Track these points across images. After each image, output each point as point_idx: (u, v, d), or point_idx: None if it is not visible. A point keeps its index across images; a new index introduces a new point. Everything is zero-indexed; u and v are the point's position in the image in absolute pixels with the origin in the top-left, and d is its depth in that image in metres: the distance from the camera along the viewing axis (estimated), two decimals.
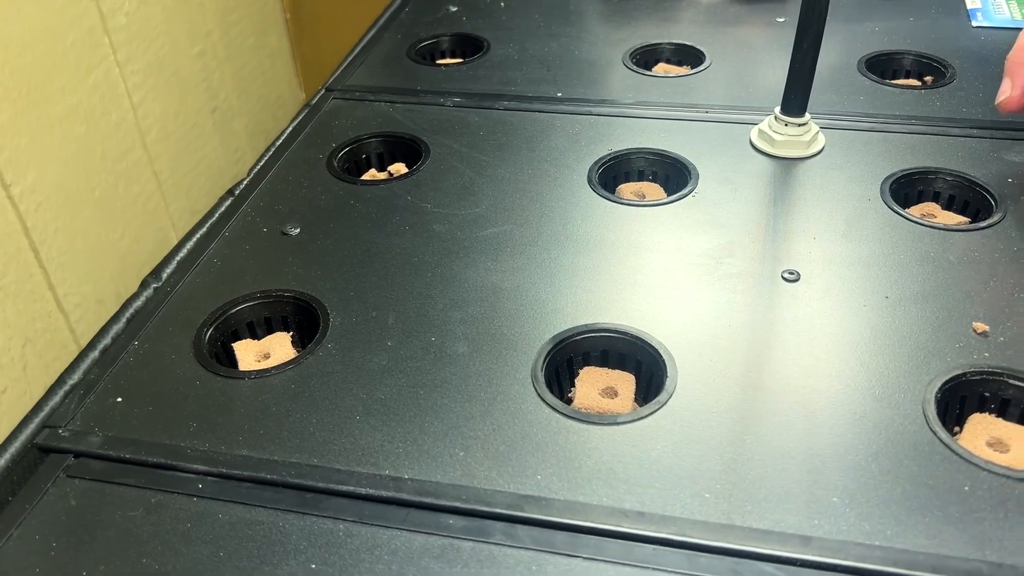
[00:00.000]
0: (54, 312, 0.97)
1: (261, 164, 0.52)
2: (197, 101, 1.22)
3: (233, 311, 0.41)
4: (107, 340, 0.40)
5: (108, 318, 0.41)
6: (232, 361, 0.40)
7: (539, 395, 0.36)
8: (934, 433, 0.33)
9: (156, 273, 0.44)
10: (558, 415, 0.35)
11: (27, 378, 0.58)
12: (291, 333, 0.41)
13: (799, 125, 0.49)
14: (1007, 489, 0.31)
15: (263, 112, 1.36)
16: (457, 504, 0.32)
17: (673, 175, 0.50)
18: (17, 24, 0.63)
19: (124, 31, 1.01)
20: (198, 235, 0.46)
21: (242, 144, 1.29)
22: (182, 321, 0.41)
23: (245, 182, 0.50)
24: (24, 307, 0.64)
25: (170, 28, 1.11)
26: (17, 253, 0.62)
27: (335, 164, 0.51)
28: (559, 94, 0.57)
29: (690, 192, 0.47)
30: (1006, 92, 0.45)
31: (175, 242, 0.66)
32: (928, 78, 0.58)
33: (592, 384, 0.38)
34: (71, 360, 0.39)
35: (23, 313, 0.62)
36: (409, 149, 0.53)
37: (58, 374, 0.38)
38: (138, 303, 0.42)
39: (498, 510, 0.31)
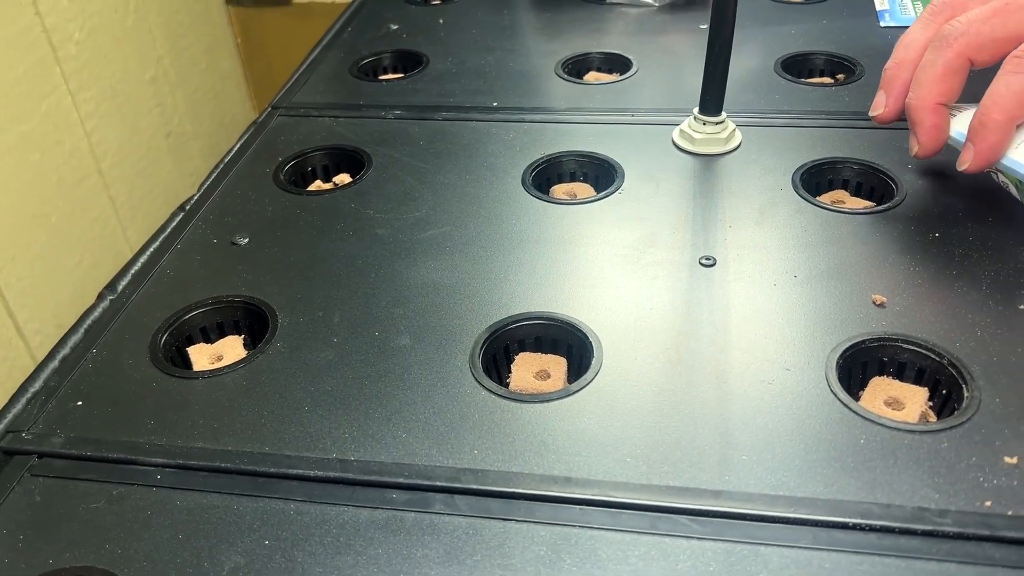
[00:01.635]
0: (14, 338, 0.98)
1: (210, 180, 0.54)
2: (151, 126, 1.24)
3: (186, 317, 0.43)
4: (66, 350, 0.42)
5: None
6: (187, 365, 0.42)
7: (476, 379, 0.38)
8: (834, 395, 0.36)
9: (112, 286, 0.46)
10: (494, 396, 0.38)
11: None
12: (243, 336, 0.44)
13: (716, 124, 0.53)
14: (897, 440, 0.34)
15: (217, 134, 1.38)
16: (399, 480, 0.34)
17: (602, 175, 0.53)
18: None
19: (75, 60, 1.03)
20: (151, 249, 0.48)
21: (198, 166, 1.31)
22: (138, 329, 0.43)
23: (196, 197, 0.53)
24: None
25: (121, 56, 1.13)
26: None
27: (281, 177, 0.54)
28: (495, 104, 0.60)
29: (616, 190, 0.51)
30: (880, 106, 0.48)
31: None
32: (840, 76, 0.62)
33: (527, 368, 0.40)
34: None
35: None
36: (353, 160, 0.56)
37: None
38: (95, 314, 0.44)
39: (438, 483, 0.34)
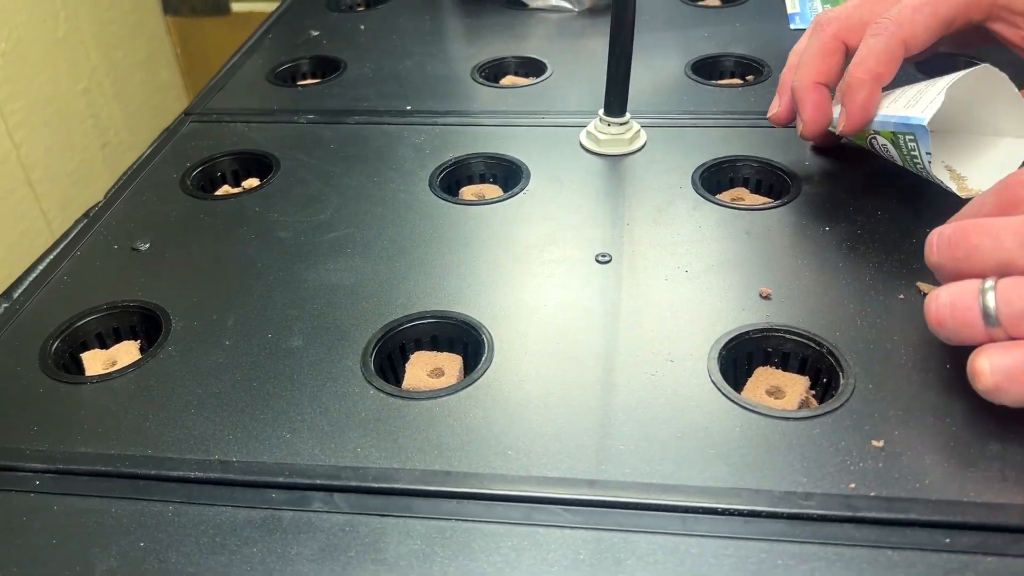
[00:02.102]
0: None
1: (117, 187, 0.54)
2: (85, 137, 1.22)
3: (80, 323, 0.43)
4: None
5: None
6: (83, 371, 0.42)
7: (366, 379, 0.39)
8: (714, 384, 0.37)
9: (7, 294, 0.45)
10: (382, 395, 0.38)
11: None
12: (138, 341, 0.43)
13: (621, 125, 0.54)
14: (772, 427, 0.35)
15: None
16: (279, 479, 0.34)
17: (510, 176, 0.54)
18: None
19: (1, 70, 1.02)
20: (51, 256, 0.48)
21: None
22: (29, 335, 0.42)
23: (100, 204, 0.52)
24: None
25: (51, 66, 1.12)
26: None
27: (188, 183, 0.54)
28: (408, 107, 0.61)
29: (522, 190, 0.51)
30: (774, 108, 0.50)
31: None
32: (749, 77, 0.63)
33: (421, 367, 0.41)
34: None
35: None
36: (262, 165, 0.56)
37: None
38: None
39: (317, 481, 0.34)
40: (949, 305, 0.34)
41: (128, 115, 1.29)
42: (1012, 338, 0.32)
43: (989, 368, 0.32)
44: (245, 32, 1.49)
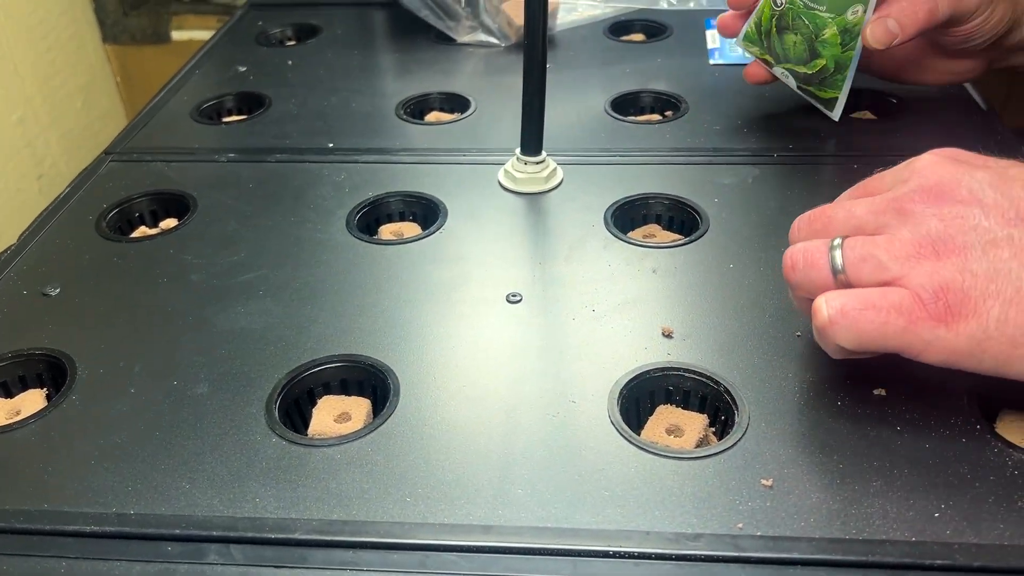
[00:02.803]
0: None
1: (30, 229, 0.53)
2: (20, 167, 1.20)
3: None
4: None
5: None
6: None
7: (269, 426, 0.39)
8: (613, 425, 0.38)
9: None
10: (284, 442, 0.38)
11: None
12: (45, 390, 0.43)
13: (537, 163, 0.54)
14: (667, 468, 0.36)
15: None
16: (176, 531, 0.34)
17: (429, 214, 0.54)
18: None
19: None
20: None
21: None
22: None
23: (12, 247, 0.52)
24: None
25: None
26: None
27: (104, 225, 0.53)
28: (331, 145, 0.61)
29: (438, 229, 0.52)
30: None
31: None
32: (668, 113, 0.65)
33: (328, 411, 0.41)
34: None
35: None
36: (180, 205, 0.56)
37: None
38: None
39: (214, 533, 0.34)
40: (802, 251, 0.37)
41: (65, 145, 1.27)
42: (852, 286, 0.36)
43: (825, 304, 0.35)
44: (184, 60, 1.48)
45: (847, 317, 0.34)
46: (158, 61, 1.42)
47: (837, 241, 0.36)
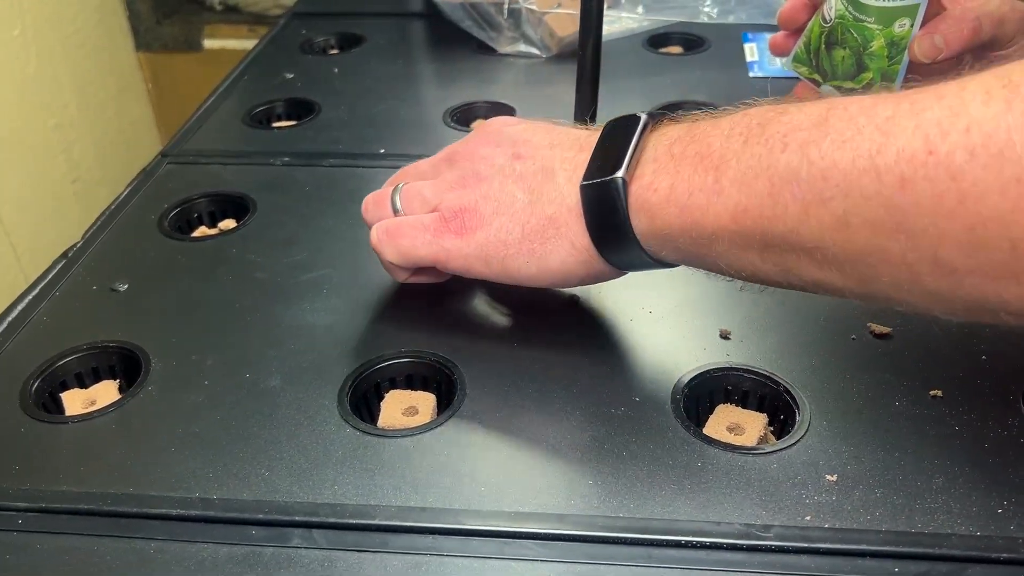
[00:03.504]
0: None
1: (95, 227, 0.55)
2: (56, 172, 1.22)
3: (60, 363, 0.44)
4: None
5: None
6: (61, 410, 0.43)
7: (342, 417, 0.40)
8: (678, 421, 0.39)
9: None
10: (358, 433, 0.39)
11: None
12: (118, 381, 0.44)
13: None
14: (732, 462, 0.37)
15: (126, 180, 1.37)
16: (259, 516, 0.35)
17: None
18: None
19: None
20: (29, 297, 0.49)
21: None
22: (9, 377, 0.43)
23: (78, 245, 0.53)
24: None
25: (23, 102, 1.12)
26: None
27: (166, 224, 0.55)
28: (382, 150, 0.63)
29: None
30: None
31: None
32: None
33: (396, 405, 0.42)
34: None
35: None
36: (238, 206, 0.57)
37: None
38: None
39: (296, 518, 0.35)
40: (373, 195, 0.47)
41: (99, 150, 1.29)
42: None
43: (375, 228, 0.44)
44: (216, 68, 1.50)
45: (388, 234, 0.43)
46: (189, 69, 1.44)
47: (400, 185, 0.45)
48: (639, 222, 0.37)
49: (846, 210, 0.30)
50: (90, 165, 1.28)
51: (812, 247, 0.32)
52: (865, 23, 0.54)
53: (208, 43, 1.40)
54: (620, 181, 0.37)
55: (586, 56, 0.52)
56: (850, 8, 0.54)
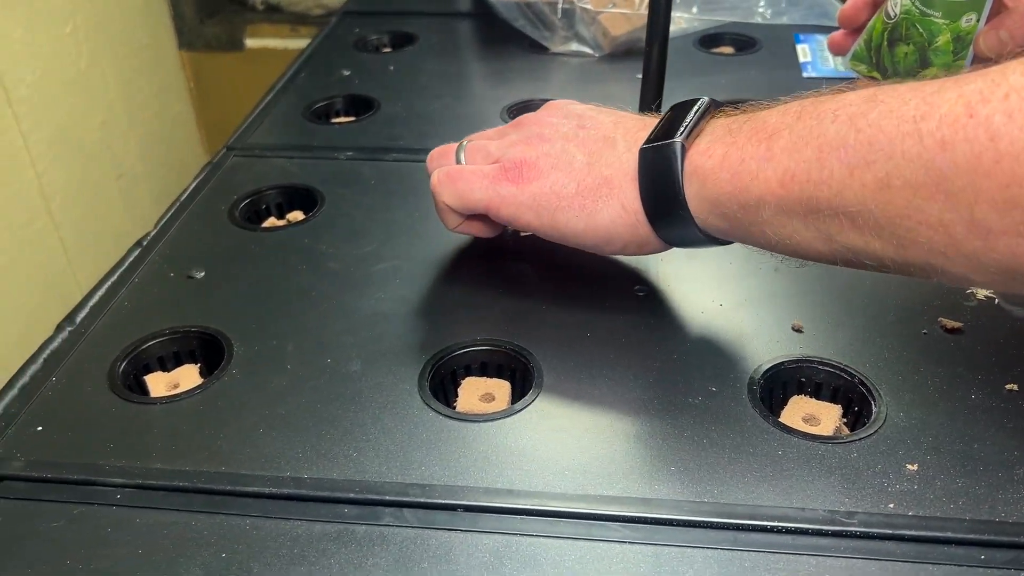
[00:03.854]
0: None
1: (167, 218, 0.56)
2: (101, 168, 1.24)
3: (144, 347, 0.45)
4: (25, 379, 0.43)
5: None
6: (145, 393, 0.44)
7: (424, 401, 0.41)
8: (756, 411, 0.40)
9: (71, 318, 0.47)
10: (440, 417, 0.40)
11: None
12: (198, 365, 0.45)
13: None
14: (812, 451, 0.37)
15: (168, 177, 1.39)
16: (351, 495, 0.36)
17: None
18: None
19: (26, 103, 1.04)
20: (108, 283, 0.50)
21: (147, 208, 1.32)
22: (96, 358, 0.44)
23: (152, 234, 0.54)
24: None
25: (72, 99, 1.14)
26: None
27: (236, 215, 0.56)
28: None
29: None
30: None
31: None
32: None
33: (472, 391, 0.43)
34: None
35: None
36: (306, 199, 0.58)
37: None
38: (54, 345, 0.45)
39: (387, 497, 0.36)
40: (439, 149, 0.49)
41: (142, 147, 1.31)
42: None
43: (437, 171, 0.46)
44: (257, 67, 1.52)
45: (449, 177, 0.45)
46: (230, 68, 1.46)
47: (464, 141, 0.48)
48: (691, 187, 0.39)
49: (888, 172, 0.32)
50: (133, 161, 1.30)
51: (855, 211, 0.33)
52: (932, 18, 0.54)
53: (250, 42, 1.42)
54: (678, 145, 0.39)
55: (652, 55, 0.53)
56: (917, 3, 0.55)
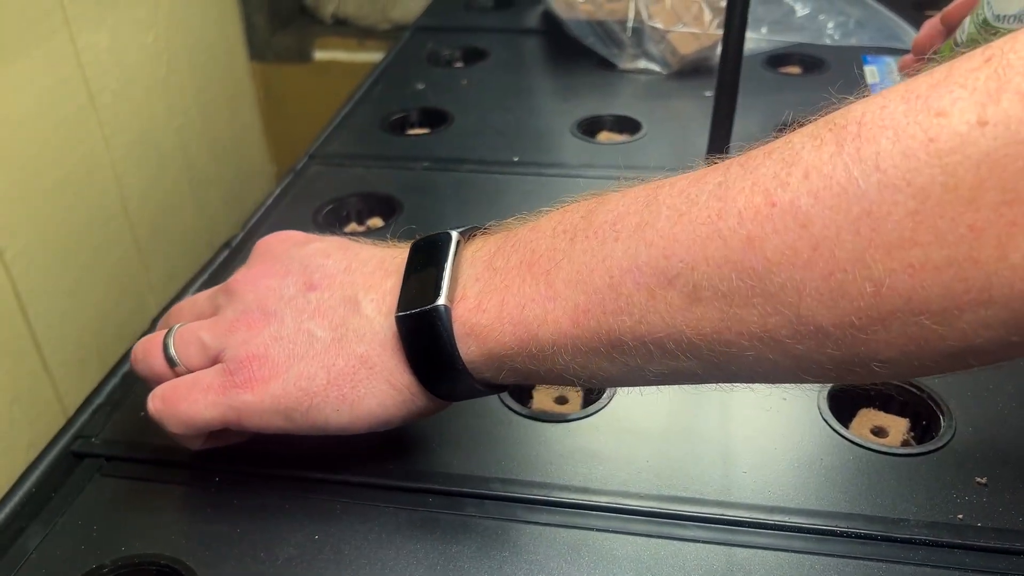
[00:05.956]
0: (39, 371, 1.02)
1: (254, 221, 0.59)
2: (175, 171, 1.29)
3: None
4: (125, 367, 0.46)
5: (90, 378, 0.46)
6: None
7: (502, 401, 0.43)
8: (825, 422, 0.41)
9: (167, 310, 0.50)
10: (518, 416, 0.42)
11: (12, 434, 0.62)
12: None
13: None
14: (881, 462, 0.38)
15: (236, 182, 1.44)
16: (435, 485, 0.38)
17: None
18: (12, 103, 0.70)
19: (109, 108, 1.09)
20: (200, 280, 0.53)
21: (216, 212, 1.36)
22: None
23: (240, 236, 0.57)
24: (12, 366, 0.69)
25: (151, 105, 1.19)
26: (7, 314, 0.67)
27: (319, 219, 0.59)
28: (515, 159, 0.66)
29: None
30: None
31: (152, 306, 0.72)
32: None
33: (547, 393, 0.45)
34: (55, 418, 0.42)
35: (11, 372, 0.67)
36: (385, 206, 0.60)
37: (41, 432, 0.42)
38: None
39: (469, 489, 0.38)
40: (143, 342, 0.38)
41: (213, 153, 1.35)
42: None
43: (151, 397, 0.36)
44: (323, 79, 1.56)
45: (167, 404, 0.36)
46: (298, 79, 1.51)
47: (174, 328, 0.38)
48: (469, 349, 0.33)
49: (695, 284, 0.28)
50: (204, 166, 1.35)
51: (663, 336, 0.29)
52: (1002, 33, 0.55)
53: (318, 55, 1.46)
54: (442, 308, 0.32)
55: (725, 74, 0.55)
56: (982, 31, 0.56)
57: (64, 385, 1.01)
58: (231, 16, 1.41)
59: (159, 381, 0.37)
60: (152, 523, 0.37)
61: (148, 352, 0.38)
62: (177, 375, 0.37)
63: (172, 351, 0.37)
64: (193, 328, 0.37)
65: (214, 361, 0.36)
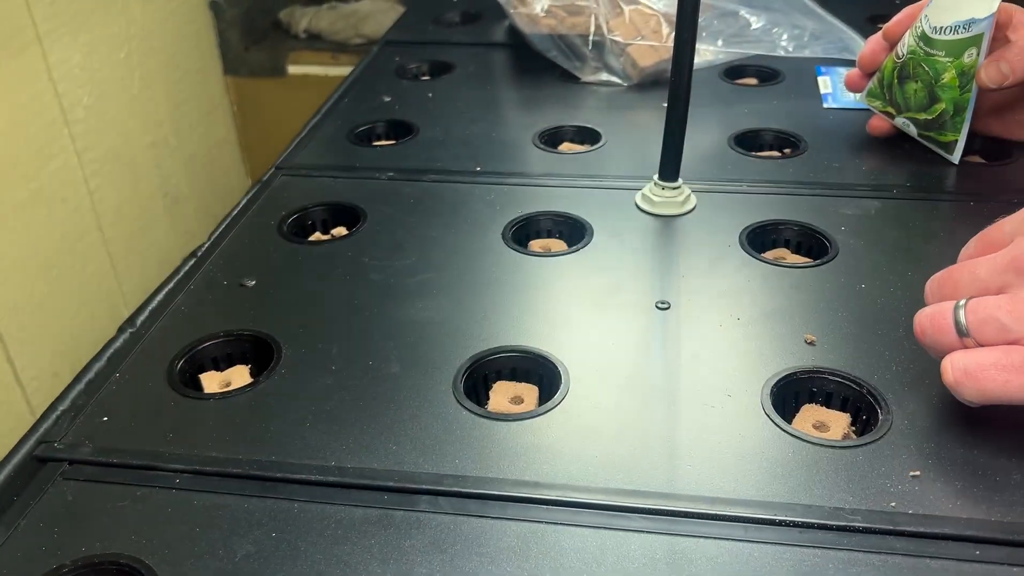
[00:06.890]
0: (11, 384, 1.02)
1: (219, 231, 0.60)
2: (150, 187, 1.30)
3: (199, 348, 0.49)
4: (90, 375, 0.47)
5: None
6: (199, 390, 0.47)
7: (458, 402, 0.44)
8: (768, 416, 0.42)
9: (131, 320, 0.51)
10: (474, 416, 0.43)
11: None
12: (249, 366, 0.49)
13: (673, 189, 0.60)
14: (820, 454, 0.40)
15: (211, 197, 1.45)
16: (390, 483, 0.39)
17: (574, 232, 0.59)
18: None
19: (82, 123, 1.10)
20: (166, 289, 0.54)
21: (192, 227, 1.37)
22: (156, 358, 0.48)
23: (205, 246, 0.58)
24: None
25: (125, 120, 1.20)
26: None
27: (284, 229, 0.60)
28: (478, 168, 0.67)
29: (586, 245, 0.57)
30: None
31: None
32: (786, 150, 0.70)
33: (503, 394, 0.46)
34: (27, 430, 0.42)
35: None
36: (349, 215, 0.62)
37: (13, 443, 0.42)
38: (116, 345, 0.49)
39: (423, 486, 0.39)
40: (929, 316, 0.41)
41: (188, 168, 1.36)
42: (980, 346, 0.39)
43: (951, 366, 0.39)
44: (298, 93, 1.57)
45: (970, 377, 0.38)
46: (273, 94, 1.52)
47: (961, 303, 0.39)
48: None
49: None
50: (178, 181, 1.36)
51: None
52: (936, 57, 0.57)
53: (292, 69, 1.47)
54: None
55: (677, 85, 0.56)
56: (921, 44, 0.58)
57: (37, 398, 1.01)
58: (205, 32, 1.42)
59: (943, 353, 0.40)
60: (112, 524, 0.38)
61: (938, 326, 0.40)
62: (965, 346, 0.39)
63: (964, 326, 0.39)
64: (988, 307, 0.38)
65: (1011, 343, 0.38)
